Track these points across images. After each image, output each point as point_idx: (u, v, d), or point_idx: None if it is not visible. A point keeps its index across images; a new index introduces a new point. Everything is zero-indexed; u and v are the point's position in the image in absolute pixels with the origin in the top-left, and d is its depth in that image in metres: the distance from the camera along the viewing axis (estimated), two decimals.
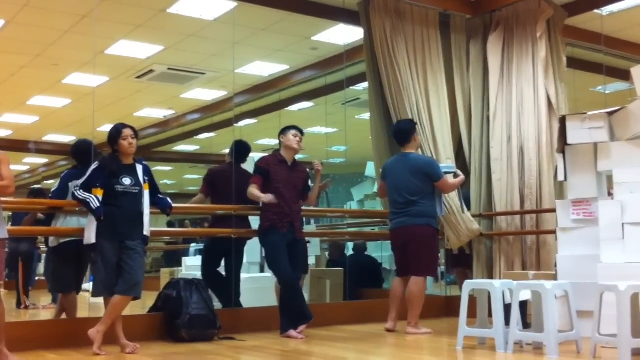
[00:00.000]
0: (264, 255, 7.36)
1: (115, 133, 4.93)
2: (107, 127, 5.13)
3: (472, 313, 4.99)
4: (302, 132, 5.91)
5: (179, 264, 11.28)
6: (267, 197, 5.53)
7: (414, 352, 5.10)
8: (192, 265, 9.63)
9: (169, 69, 9.89)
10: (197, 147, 16.31)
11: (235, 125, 10.11)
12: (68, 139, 13.87)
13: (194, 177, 19.19)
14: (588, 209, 5.37)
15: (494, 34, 7.40)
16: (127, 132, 4.94)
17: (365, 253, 9.16)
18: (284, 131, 5.85)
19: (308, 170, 6.05)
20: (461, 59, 7.55)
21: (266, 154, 6.04)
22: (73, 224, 5.43)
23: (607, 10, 7.77)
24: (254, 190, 5.63)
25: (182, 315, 5.36)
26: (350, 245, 9.40)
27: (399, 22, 7.06)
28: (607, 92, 9.15)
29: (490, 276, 7.09)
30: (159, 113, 12.95)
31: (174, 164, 18.26)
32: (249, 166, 6.70)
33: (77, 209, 5.23)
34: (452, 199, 6.87)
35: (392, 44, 6.92)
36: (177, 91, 11.28)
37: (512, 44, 7.34)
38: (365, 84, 8.03)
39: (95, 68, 9.55)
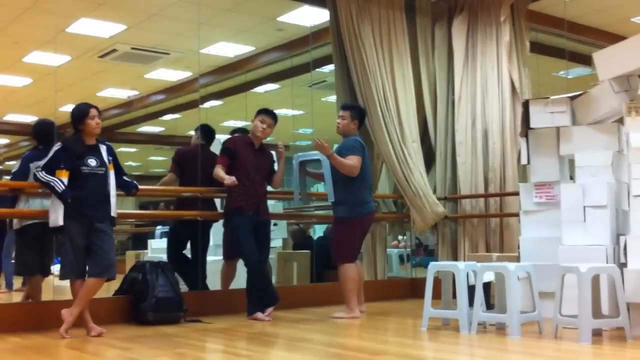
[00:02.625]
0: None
1: (82, 112, 4.84)
2: (68, 108, 5.02)
3: (436, 294, 5.06)
4: (273, 118, 5.81)
5: (145, 247, 11.20)
6: (230, 179, 5.51)
7: (380, 333, 5.17)
8: (157, 248, 9.58)
9: (132, 48, 9.76)
10: (162, 129, 16.15)
11: (200, 106, 10.02)
12: (29, 119, 13.61)
13: (159, 158, 19.03)
14: (550, 192, 5.47)
15: (459, 18, 7.44)
16: (94, 111, 4.86)
17: None
18: (256, 114, 5.79)
19: (273, 153, 6.05)
20: (426, 42, 7.59)
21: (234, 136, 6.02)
22: (36, 206, 5.35)
23: None
24: (219, 171, 5.61)
25: (148, 298, 5.33)
26: (317, 227, 9.42)
27: (364, 4, 7.05)
28: (569, 76, 9.28)
29: (455, 258, 7.19)
30: (122, 93, 12.79)
31: (138, 146, 18.05)
32: (215, 149, 6.68)
33: (39, 190, 5.14)
34: (418, 181, 6.93)
35: (358, 26, 6.92)
36: (141, 71, 11.13)
37: (476, 28, 7.39)
38: (331, 66, 8.04)
39: (57, 47, 9.38)
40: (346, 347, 4.58)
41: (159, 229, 12.78)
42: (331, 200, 5.84)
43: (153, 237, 12.26)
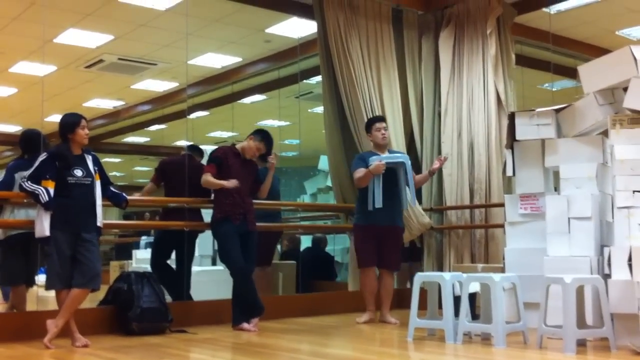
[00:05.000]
0: (216, 247, 7.36)
1: (74, 122, 4.82)
2: (55, 118, 5.02)
3: (422, 305, 5.07)
4: (269, 146, 5.77)
5: (129, 257, 11.14)
6: (232, 182, 5.52)
7: (366, 343, 5.17)
8: (142, 259, 9.52)
9: (119, 59, 9.75)
10: (148, 139, 16.12)
11: (187, 117, 10.03)
12: (14, 128, 13.55)
13: (144, 169, 18.96)
14: (535, 203, 5.51)
15: (445, 30, 7.51)
16: (84, 121, 4.86)
17: (325, 248, 9.22)
18: (255, 135, 5.76)
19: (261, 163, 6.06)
20: (413, 55, 7.65)
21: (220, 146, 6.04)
22: (21, 216, 5.32)
23: (555, 8, 7.96)
24: (211, 179, 5.59)
25: (133, 308, 5.30)
26: (303, 238, 9.43)
27: (352, 16, 7.10)
28: (554, 89, 9.37)
29: (440, 269, 7.22)
30: (108, 104, 12.76)
31: (123, 156, 18.00)
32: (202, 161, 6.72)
33: (25, 200, 5.12)
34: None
35: (346, 37, 6.97)
36: (127, 82, 11.13)
37: (462, 41, 7.46)
38: (318, 78, 8.07)
39: (44, 57, 9.35)
40: (333, 357, 4.59)
41: (144, 240, 12.73)
42: (413, 204, 6.38)
43: (138, 248, 12.21)
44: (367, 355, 4.59)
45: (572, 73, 7.43)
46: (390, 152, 6.24)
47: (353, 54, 6.97)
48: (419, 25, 7.73)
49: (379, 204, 5.80)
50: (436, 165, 6.04)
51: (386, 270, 6.14)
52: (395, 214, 6.06)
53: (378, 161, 5.77)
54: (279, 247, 9.31)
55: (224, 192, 5.58)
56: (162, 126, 14.14)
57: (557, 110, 5.37)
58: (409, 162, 5.98)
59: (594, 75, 5.14)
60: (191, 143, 6.82)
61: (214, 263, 8.06)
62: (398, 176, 5.94)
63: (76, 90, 11.41)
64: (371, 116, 6.73)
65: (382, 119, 6.32)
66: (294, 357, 4.53)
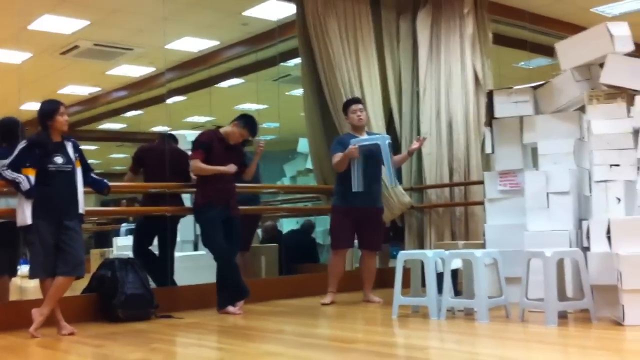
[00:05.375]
0: (198, 233, 7.36)
1: (52, 109, 4.78)
2: (29, 105, 4.97)
3: (405, 283, 5.13)
4: (254, 134, 5.81)
5: (110, 245, 11.07)
6: (231, 167, 5.52)
7: (350, 322, 5.23)
8: (123, 246, 9.47)
9: (94, 44, 9.63)
10: (124, 125, 15.97)
11: (165, 102, 9.96)
12: None
13: (120, 156, 18.78)
14: (514, 179, 5.58)
15: (423, 11, 7.53)
16: (63, 108, 4.83)
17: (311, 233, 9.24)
18: (240, 121, 5.72)
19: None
20: (391, 35, 7.66)
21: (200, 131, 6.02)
22: (1, 206, 5.27)
23: None
24: (203, 165, 5.55)
25: (117, 295, 5.30)
26: (284, 221, 9.44)
27: None
28: (530, 67, 9.44)
29: (421, 247, 7.29)
30: (84, 90, 12.61)
31: (99, 143, 17.80)
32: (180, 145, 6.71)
33: (4, 189, 5.07)
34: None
35: (324, 19, 6.96)
36: (103, 67, 10.99)
37: (440, 21, 7.49)
38: (297, 60, 8.06)
39: (18, 44, 9.22)
40: (319, 336, 4.64)
41: (124, 226, 12.65)
42: (393, 184, 6.43)
43: (118, 235, 12.13)
44: (353, 334, 4.65)
45: (548, 51, 7.48)
46: (369, 133, 6.26)
47: (332, 36, 6.97)
48: (396, 6, 7.74)
49: (359, 187, 5.83)
50: (415, 145, 6.06)
51: (368, 250, 6.19)
52: (375, 195, 6.09)
53: (352, 145, 5.79)
54: (259, 231, 9.34)
55: (209, 177, 5.57)
56: (139, 112, 14.02)
57: (535, 88, 5.44)
58: (385, 143, 5.94)
59: (571, 52, 5.22)
60: (169, 129, 6.77)
61: (195, 248, 8.06)
62: (377, 158, 5.96)
63: (52, 77, 11.25)
64: (350, 97, 6.75)
65: (357, 100, 6.31)
66: (280, 339, 4.57)
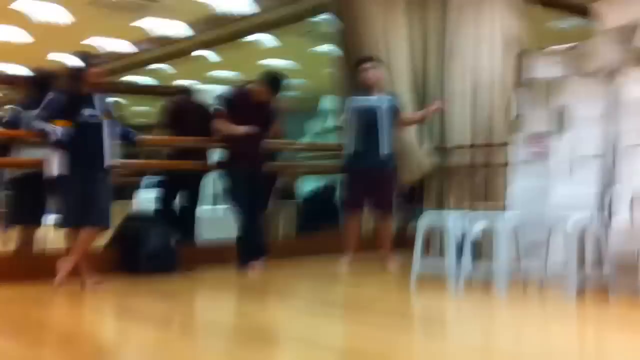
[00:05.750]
0: (218, 188, 7.37)
1: (85, 61, 4.79)
2: (55, 56, 4.95)
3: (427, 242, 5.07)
4: (276, 89, 5.74)
5: (130, 197, 11.13)
6: (244, 128, 5.48)
7: (367, 286, 5.20)
8: (145, 199, 9.53)
9: None
10: (148, 79, 15.94)
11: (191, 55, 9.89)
12: (15, 69, 13.41)
13: (143, 108, 18.80)
14: (541, 143, 5.48)
15: None
16: (94, 60, 4.84)
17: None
18: (262, 77, 5.69)
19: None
20: None
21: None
22: (30, 156, 5.29)
23: None
24: (225, 124, 5.56)
25: (141, 249, 5.36)
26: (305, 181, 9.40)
27: None
28: (564, 27, 9.20)
29: (441, 208, 7.21)
30: (109, 43, 12.53)
31: (124, 96, 17.82)
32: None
33: (32, 140, 5.08)
34: (407, 134, 6.92)
35: None
36: (129, 19, 10.91)
37: None
38: (323, 16, 7.96)
39: None
40: (337, 293, 4.64)
41: (146, 180, 12.70)
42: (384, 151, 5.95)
43: (138, 188, 12.18)
44: (368, 300, 4.62)
45: (582, 11, 7.27)
46: (385, 93, 6.15)
47: None
48: None
49: (358, 147, 5.81)
50: (433, 107, 6.08)
51: (379, 211, 6.12)
52: (382, 156, 5.98)
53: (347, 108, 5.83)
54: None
55: (234, 135, 5.55)
56: (163, 66, 13.98)
57: (567, 49, 5.30)
58: (384, 106, 5.87)
59: (608, 13, 5.07)
60: (195, 82, 6.73)
61: (214, 203, 8.06)
62: (380, 120, 5.90)
63: (77, 28, 11.21)
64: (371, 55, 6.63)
65: (368, 59, 6.17)
66: (299, 297, 4.59)
